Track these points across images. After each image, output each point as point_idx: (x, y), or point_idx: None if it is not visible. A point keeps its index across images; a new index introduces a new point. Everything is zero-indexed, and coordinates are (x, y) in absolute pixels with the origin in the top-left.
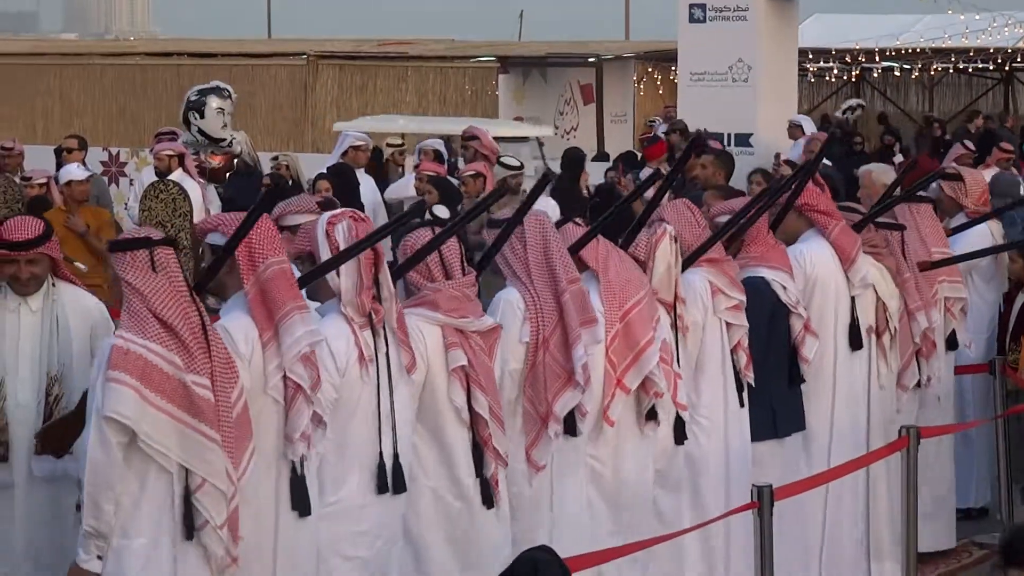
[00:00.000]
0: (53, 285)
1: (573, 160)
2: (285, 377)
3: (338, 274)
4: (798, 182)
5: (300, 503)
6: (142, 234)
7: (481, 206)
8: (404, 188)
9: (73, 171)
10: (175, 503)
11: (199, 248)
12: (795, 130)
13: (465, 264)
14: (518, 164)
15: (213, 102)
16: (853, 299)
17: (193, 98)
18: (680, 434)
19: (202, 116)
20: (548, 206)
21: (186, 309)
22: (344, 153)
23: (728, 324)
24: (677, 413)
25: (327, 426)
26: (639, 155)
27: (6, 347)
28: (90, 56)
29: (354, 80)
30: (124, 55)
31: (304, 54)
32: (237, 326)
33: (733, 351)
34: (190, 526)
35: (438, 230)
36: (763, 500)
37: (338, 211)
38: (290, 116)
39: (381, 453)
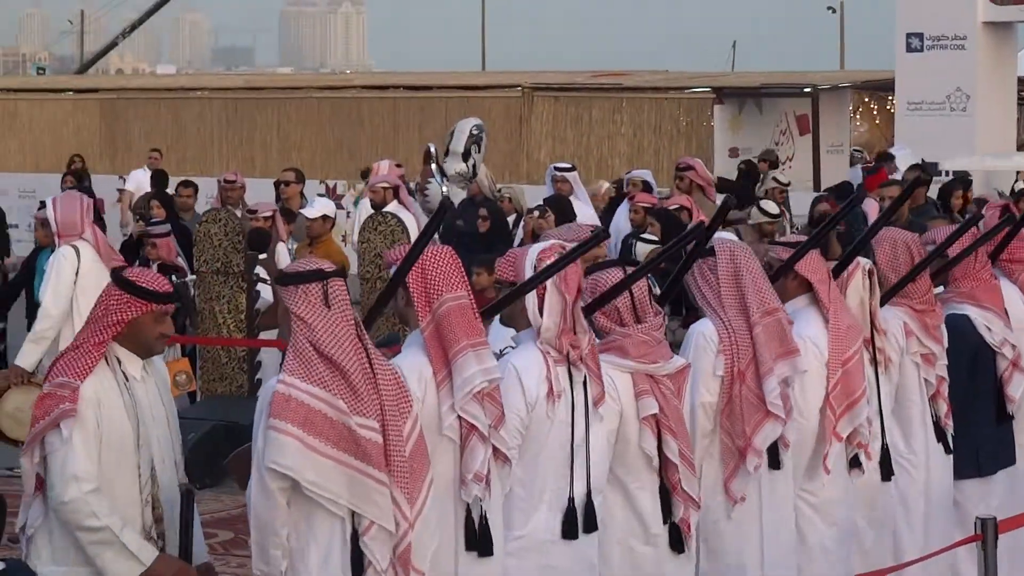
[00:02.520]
0: None
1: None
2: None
3: (540, 311)
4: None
5: (478, 543)
6: (314, 266)
7: (672, 247)
8: (620, 220)
9: (305, 208)
10: (344, 546)
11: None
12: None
13: (654, 305)
14: (776, 212)
15: (484, 140)
16: None
17: (475, 132)
18: (887, 471)
19: (479, 151)
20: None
21: (356, 346)
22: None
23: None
24: (884, 449)
25: (514, 461)
26: (855, 185)
27: (148, 425)
28: (307, 90)
29: (569, 111)
30: (340, 88)
31: (519, 86)
32: (411, 365)
33: (932, 400)
34: (358, 569)
35: (629, 269)
36: (987, 533)
37: (549, 244)
38: (505, 148)
39: (572, 498)
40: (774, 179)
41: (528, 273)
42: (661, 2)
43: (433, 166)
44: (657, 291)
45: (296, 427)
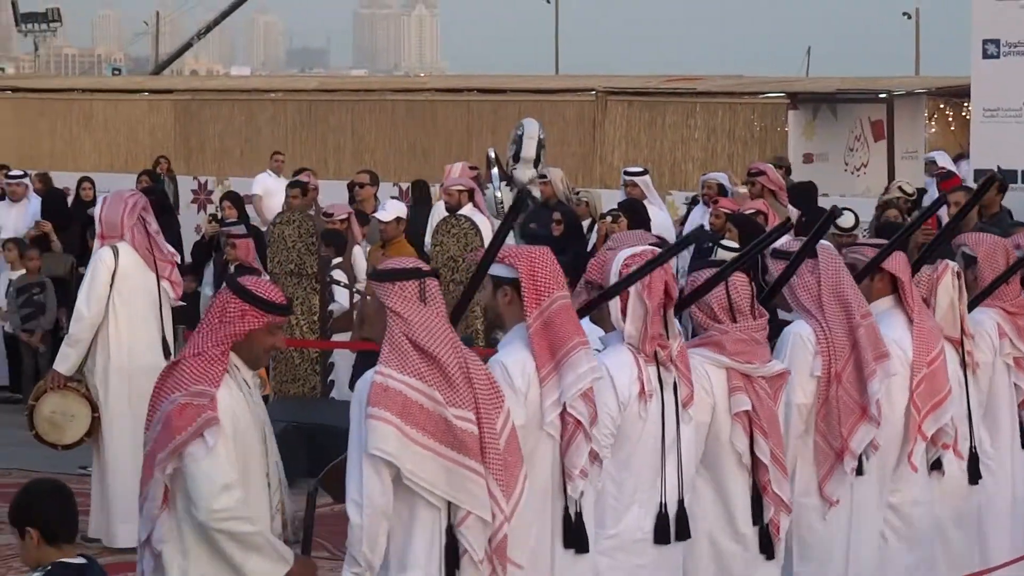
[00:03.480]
0: None
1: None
2: (563, 413)
3: (623, 315)
4: None
5: (576, 541)
6: (410, 264)
7: (764, 242)
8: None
9: (379, 211)
10: (440, 536)
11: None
12: (931, 166)
13: (756, 307)
14: (849, 225)
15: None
16: None
17: (542, 136)
18: (975, 474)
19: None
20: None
21: (452, 340)
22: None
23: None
24: (973, 452)
25: (604, 461)
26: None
27: (268, 431)
28: (381, 92)
29: (642, 116)
30: (414, 90)
31: (592, 90)
32: (514, 361)
33: (1021, 406)
34: (453, 559)
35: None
36: None
37: (638, 250)
38: (578, 152)
39: (664, 502)
40: (899, 188)
41: (613, 277)
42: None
43: (494, 171)
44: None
45: (394, 416)
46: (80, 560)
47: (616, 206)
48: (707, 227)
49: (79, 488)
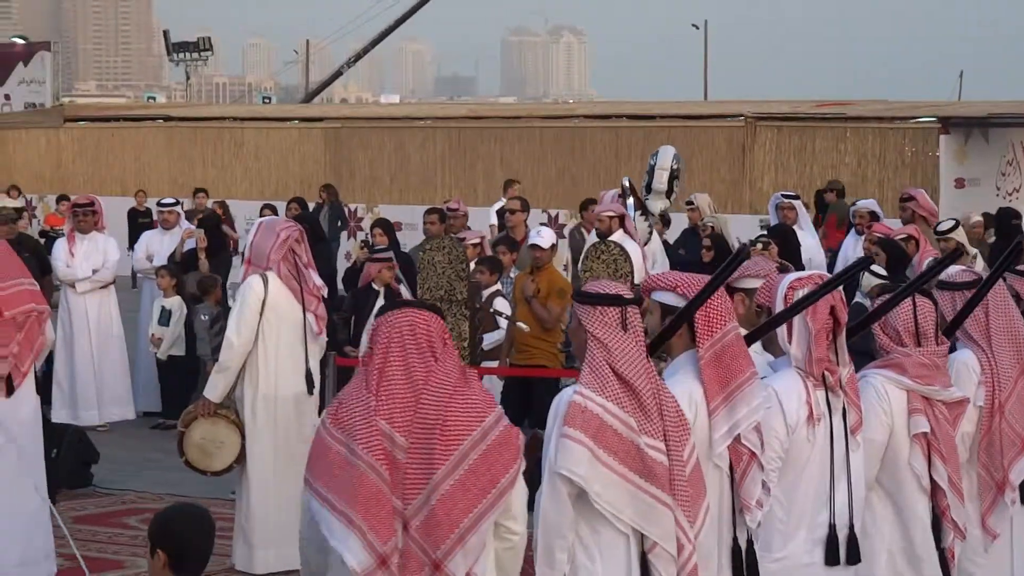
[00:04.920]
0: None
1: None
2: (731, 444)
3: (789, 339)
4: None
5: (750, 570)
6: (613, 291)
7: (936, 270)
8: (848, 250)
9: (533, 236)
10: (631, 564)
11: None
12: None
13: (940, 334)
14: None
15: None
16: None
17: (675, 166)
18: None
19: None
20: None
21: (648, 369)
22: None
23: None
24: None
25: (772, 485)
26: None
27: None
28: (529, 119)
29: (792, 141)
30: (563, 117)
31: (742, 115)
32: (682, 390)
33: None
34: None
35: (920, 295)
36: None
37: (804, 275)
38: (728, 178)
39: (833, 525)
40: None
41: (779, 303)
42: (887, 32)
43: (630, 200)
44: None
45: (588, 438)
46: None
47: (766, 232)
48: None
49: (230, 514)
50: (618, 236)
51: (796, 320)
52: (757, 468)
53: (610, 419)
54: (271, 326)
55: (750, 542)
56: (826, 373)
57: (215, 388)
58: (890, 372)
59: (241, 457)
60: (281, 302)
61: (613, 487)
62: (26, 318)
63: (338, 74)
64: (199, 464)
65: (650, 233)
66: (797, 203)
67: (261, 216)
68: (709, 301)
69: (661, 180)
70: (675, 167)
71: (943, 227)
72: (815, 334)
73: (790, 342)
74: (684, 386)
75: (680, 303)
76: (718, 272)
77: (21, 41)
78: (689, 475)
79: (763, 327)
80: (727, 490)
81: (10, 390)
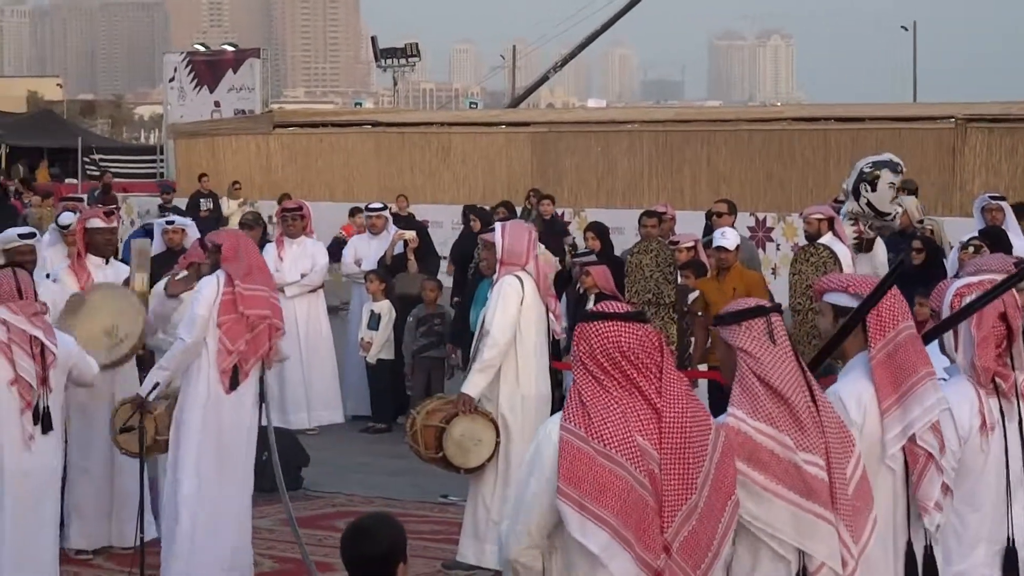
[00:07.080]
0: None
1: None
2: (905, 445)
3: (955, 346)
4: None
5: (925, 572)
6: (753, 303)
7: None
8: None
9: (718, 238)
10: None
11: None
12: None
13: None
14: None
15: (887, 176)
16: None
17: (867, 170)
18: None
19: (874, 189)
20: None
21: (800, 381)
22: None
23: None
24: None
25: (951, 493)
26: None
27: None
28: (736, 122)
29: (1004, 143)
30: (770, 120)
31: (952, 117)
32: (851, 392)
33: None
34: None
35: None
36: None
37: (974, 280)
38: (937, 180)
39: (1011, 538)
40: None
41: (946, 308)
42: None
43: (847, 205)
44: None
45: (741, 461)
46: None
47: (976, 234)
48: None
49: (439, 516)
50: (827, 239)
51: (961, 327)
52: (935, 469)
53: (763, 439)
54: (525, 324)
55: (928, 547)
56: (998, 380)
57: (475, 386)
58: None
59: (495, 455)
60: (534, 302)
61: (773, 509)
62: (260, 322)
63: (544, 79)
64: (455, 460)
65: (874, 239)
66: (1004, 204)
67: (469, 218)
68: (881, 302)
69: (850, 181)
70: (867, 171)
71: None
72: (979, 341)
73: (956, 350)
74: (854, 387)
75: (853, 303)
76: (887, 275)
77: (231, 48)
78: (854, 490)
79: (930, 332)
80: (901, 493)
81: (233, 385)
